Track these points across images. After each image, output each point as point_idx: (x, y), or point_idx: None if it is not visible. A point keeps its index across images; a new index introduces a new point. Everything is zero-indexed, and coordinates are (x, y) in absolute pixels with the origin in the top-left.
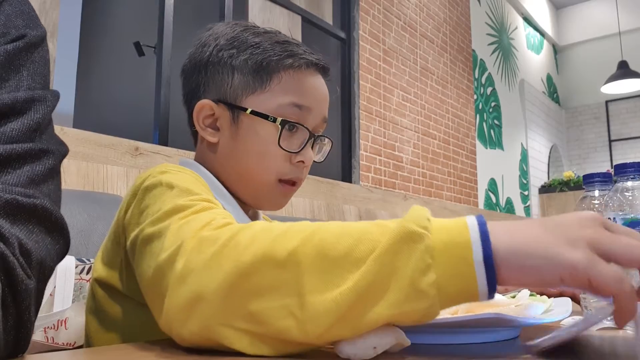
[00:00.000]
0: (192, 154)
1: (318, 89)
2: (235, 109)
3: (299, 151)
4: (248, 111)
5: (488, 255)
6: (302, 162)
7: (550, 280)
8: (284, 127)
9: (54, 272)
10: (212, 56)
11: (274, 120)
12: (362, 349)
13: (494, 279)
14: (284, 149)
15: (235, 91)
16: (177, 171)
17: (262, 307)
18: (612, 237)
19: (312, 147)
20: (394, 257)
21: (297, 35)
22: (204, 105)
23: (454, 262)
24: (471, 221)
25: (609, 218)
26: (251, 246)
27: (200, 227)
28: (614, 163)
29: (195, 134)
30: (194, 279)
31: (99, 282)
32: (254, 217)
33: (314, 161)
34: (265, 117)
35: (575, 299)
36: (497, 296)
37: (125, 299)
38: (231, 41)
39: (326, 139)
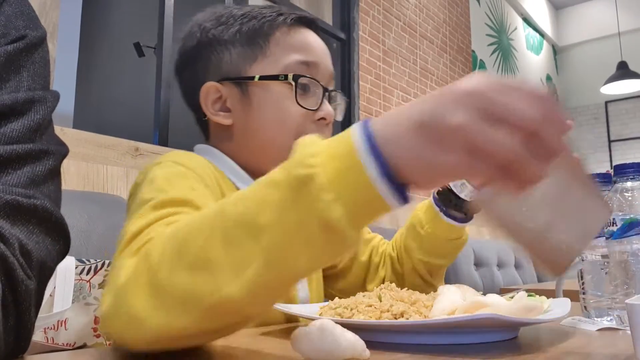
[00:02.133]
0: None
1: (317, 43)
2: (243, 81)
3: (318, 108)
4: (256, 78)
5: (385, 171)
6: (324, 119)
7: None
8: (298, 83)
9: (54, 272)
10: (202, 40)
11: (286, 78)
12: (313, 346)
13: (402, 187)
14: (302, 107)
15: (236, 65)
16: (173, 163)
17: (190, 319)
18: (484, 133)
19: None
20: (293, 211)
21: None
22: (209, 88)
23: (352, 188)
24: (356, 137)
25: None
26: (162, 258)
27: (137, 249)
28: (614, 163)
29: (204, 125)
30: (116, 314)
31: None
32: None
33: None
34: (275, 78)
35: None
36: (495, 297)
37: None
38: (217, 20)
39: (338, 96)
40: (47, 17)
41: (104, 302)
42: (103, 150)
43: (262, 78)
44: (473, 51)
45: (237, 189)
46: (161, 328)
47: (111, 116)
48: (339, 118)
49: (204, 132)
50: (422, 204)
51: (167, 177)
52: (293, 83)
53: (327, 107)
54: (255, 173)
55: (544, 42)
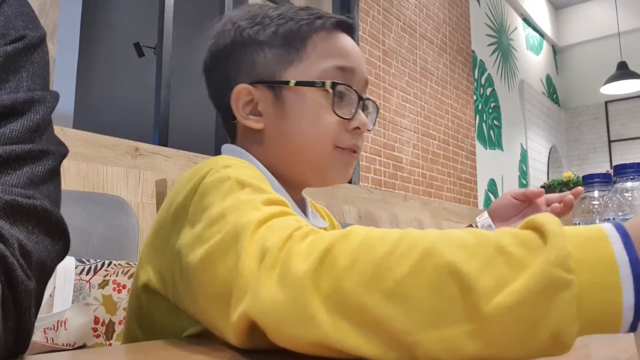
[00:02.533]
0: (193, 155)
1: (354, 48)
2: (276, 85)
3: (352, 117)
4: (292, 83)
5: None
6: (358, 128)
7: None
8: (335, 91)
9: (54, 272)
10: (236, 39)
11: (323, 85)
12: None
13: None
14: (339, 116)
15: (271, 67)
16: (243, 167)
17: (365, 340)
18: None
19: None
20: (535, 307)
21: None
22: (241, 90)
23: (599, 308)
24: (621, 255)
25: (608, 219)
26: (352, 269)
27: (287, 236)
28: (614, 164)
29: (231, 129)
30: (283, 303)
31: (145, 287)
32: (302, 205)
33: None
34: (312, 84)
35: None
36: None
37: (176, 310)
38: (252, 19)
39: (370, 104)
40: (47, 17)
41: (264, 287)
42: (103, 150)
43: (298, 84)
44: (473, 51)
45: None
46: (334, 339)
47: (111, 116)
48: (370, 127)
49: (230, 133)
50: None
51: (254, 178)
52: (331, 91)
53: (361, 117)
54: (283, 179)
55: (544, 42)
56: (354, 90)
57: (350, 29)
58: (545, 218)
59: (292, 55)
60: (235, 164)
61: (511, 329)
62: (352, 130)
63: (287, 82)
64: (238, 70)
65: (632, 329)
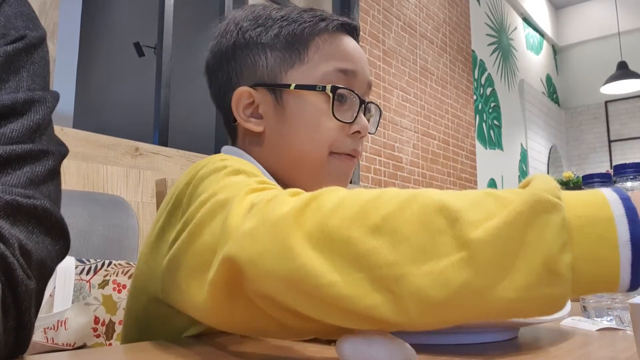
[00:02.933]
0: (193, 155)
1: (357, 51)
2: (277, 88)
3: (354, 120)
4: (292, 87)
5: (637, 235)
6: (359, 132)
7: None
8: (335, 94)
9: (54, 272)
10: (238, 40)
11: (324, 89)
12: (362, 357)
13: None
14: (338, 119)
15: (272, 70)
16: (240, 161)
17: (346, 277)
18: None
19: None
20: (523, 229)
21: None
22: (242, 93)
23: (593, 241)
24: (611, 195)
25: None
26: (338, 209)
27: (274, 194)
28: (614, 163)
29: (232, 131)
30: (263, 236)
31: (144, 291)
32: None
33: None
34: (312, 88)
35: None
36: None
37: (174, 313)
38: (255, 21)
39: (373, 107)
40: (47, 17)
41: (245, 227)
42: (103, 150)
43: (298, 87)
44: (473, 51)
45: None
46: (313, 272)
47: (111, 116)
48: (373, 131)
49: (231, 134)
50: None
51: (247, 167)
52: (331, 95)
53: (362, 121)
54: (282, 182)
55: (544, 42)
56: (356, 93)
57: (354, 31)
58: (536, 174)
59: (294, 58)
60: (232, 158)
61: (500, 253)
62: (352, 135)
63: (288, 86)
64: (240, 72)
65: (634, 278)
